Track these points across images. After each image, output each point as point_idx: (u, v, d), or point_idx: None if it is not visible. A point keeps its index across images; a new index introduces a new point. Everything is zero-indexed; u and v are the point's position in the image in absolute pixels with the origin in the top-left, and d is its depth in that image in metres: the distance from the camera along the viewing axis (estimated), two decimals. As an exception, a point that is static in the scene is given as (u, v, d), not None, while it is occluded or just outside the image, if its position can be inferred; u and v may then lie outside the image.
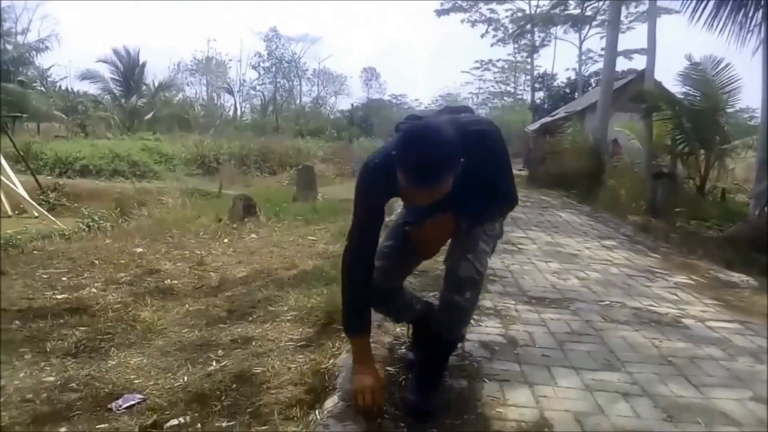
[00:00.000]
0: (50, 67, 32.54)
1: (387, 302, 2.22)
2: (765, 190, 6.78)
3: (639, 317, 3.34)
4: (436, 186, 1.73)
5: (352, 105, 45.70)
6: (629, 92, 12.26)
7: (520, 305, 3.48)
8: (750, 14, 6.88)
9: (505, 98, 54.47)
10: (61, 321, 3.35)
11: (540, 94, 37.62)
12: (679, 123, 9.51)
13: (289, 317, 3.23)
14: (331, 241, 5.66)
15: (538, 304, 3.52)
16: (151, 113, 28.91)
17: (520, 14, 39.45)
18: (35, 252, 5.50)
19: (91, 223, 8.14)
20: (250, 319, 3.28)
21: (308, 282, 3.95)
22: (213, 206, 9.12)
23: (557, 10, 35.23)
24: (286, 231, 6.52)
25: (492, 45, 43.51)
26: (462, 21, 40.18)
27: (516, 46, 45.11)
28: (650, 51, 11.55)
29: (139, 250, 5.37)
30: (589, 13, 34.17)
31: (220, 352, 2.79)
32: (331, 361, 2.46)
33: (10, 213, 10.94)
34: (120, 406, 2.32)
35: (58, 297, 3.86)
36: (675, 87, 10.36)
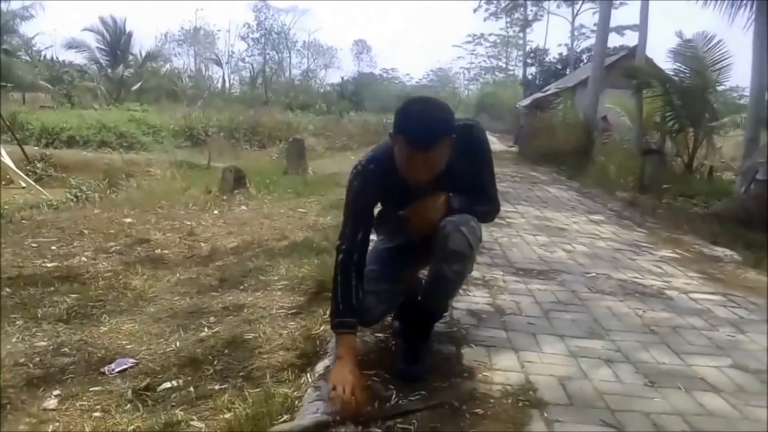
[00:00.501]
0: (35, 36, 31.88)
1: (378, 322, 2.25)
2: (751, 167, 6.86)
3: (624, 288, 3.40)
4: (435, 146, 1.82)
5: (343, 79, 45.28)
6: (621, 69, 12.22)
7: (508, 276, 3.53)
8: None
9: (497, 73, 54.24)
10: (52, 288, 3.36)
11: (532, 70, 37.43)
12: (669, 100, 9.54)
13: (280, 286, 3.26)
14: (321, 213, 5.68)
15: (526, 276, 3.57)
16: (138, 84, 28.49)
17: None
18: (24, 221, 5.48)
19: (79, 194, 8.10)
20: (242, 287, 3.30)
21: (299, 252, 3.97)
22: (202, 178, 9.07)
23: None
24: (276, 203, 6.52)
25: (485, 19, 43.20)
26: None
27: (509, 20, 44.76)
28: (642, 27, 11.52)
29: (129, 220, 5.36)
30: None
31: (211, 319, 2.82)
32: (322, 328, 2.50)
33: (-4, 183, 10.81)
34: (113, 370, 2.35)
35: (48, 265, 3.86)
36: (666, 64, 10.37)
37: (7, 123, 14.56)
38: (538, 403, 1.92)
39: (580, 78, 19.85)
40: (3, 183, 11.07)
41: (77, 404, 2.08)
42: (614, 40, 28.32)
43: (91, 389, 2.18)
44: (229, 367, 2.27)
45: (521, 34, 43.88)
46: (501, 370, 2.15)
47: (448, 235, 1.96)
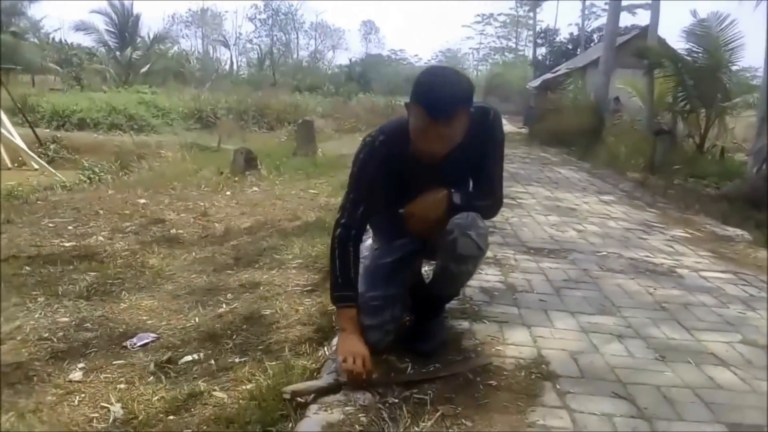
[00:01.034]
0: (42, 18, 31.92)
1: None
2: (764, 147, 6.82)
3: (635, 267, 3.43)
4: (454, 117, 1.77)
5: (351, 60, 45.08)
6: (632, 48, 12.10)
7: (519, 255, 3.56)
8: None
9: (507, 54, 53.74)
10: (71, 267, 3.42)
11: (542, 50, 37.16)
12: (681, 80, 9.47)
13: (294, 264, 3.31)
14: (332, 194, 5.72)
15: (537, 254, 3.61)
16: (147, 66, 28.50)
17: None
18: (39, 202, 5.56)
19: (92, 175, 8.18)
20: (257, 266, 3.36)
21: (311, 232, 4.02)
22: (213, 160, 9.13)
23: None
24: (287, 184, 6.57)
25: (494, -2, 42.60)
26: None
27: (519, -1, 44.23)
28: (654, 6, 11.39)
29: (143, 201, 5.42)
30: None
31: (229, 295, 2.88)
32: (337, 304, 2.54)
33: (9, 165, 10.92)
34: (135, 344, 2.41)
35: (66, 245, 3.93)
36: (678, 44, 10.28)
37: (19, 105, 14.65)
38: (550, 375, 1.96)
39: (590, 58, 19.68)
40: (16, 165, 11.20)
41: (102, 376, 2.15)
42: (626, 20, 27.98)
43: (114, 362, 2.25)
44: (247, 341, 2.33)
45: (531, 14, 43.47)
46: (513, 345, 2.19)
47: (456, 240, 1.90)
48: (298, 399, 1.75)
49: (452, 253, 1.93)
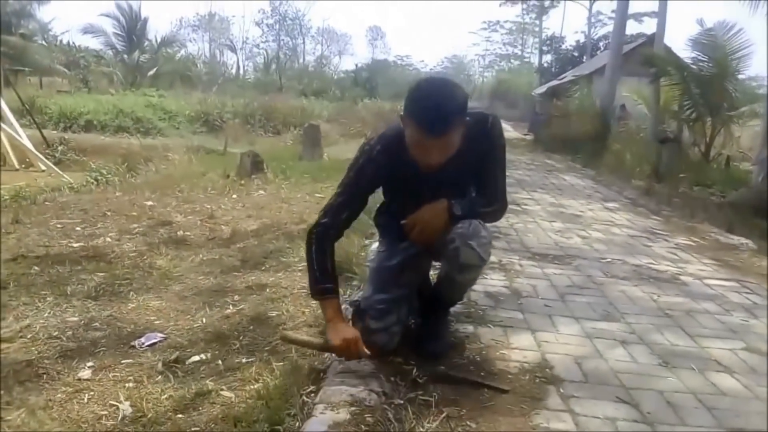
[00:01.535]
0: (51, 21, 32.13)
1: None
2: (769, 156, 6.82)
3: (639, 274, 3.45)
4: (448, 131, 1.77)
5: (357, 65, 45.18)
6: (638, 56, 12.10)
7: (524, 260, 3.58)
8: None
9: (512, 61, 53.86)
10: (79, 267, 3.45)
11: (548, 57, 37.14)
12: (687, 88, 9.46)
13: (300, 267, 3.33)
14: (338, 198, 5.73)
15: (542, 260, 3.63)
16: (154, 69, 28.66)
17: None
18: (47, 203, 5.60)
19: (99, 177, 8.23)
20: (263, 268, 3.39)
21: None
22: (219, 163, 9.17)
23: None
24: (293, 188, 6.60)
25: (500, 5, 42.80)
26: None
27: (525, 6, 44.33)
28: (661, 14, 11.39)
29: (150, 203, 5.46)
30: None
31: (236, 297, 2.90)
32: (344, 306, 2.56)
33: (17, 166, 11.00)
34: (143, 343, 2.44)
35: (74, 245, 3.96)
36: (684, 52, 10.27)
37: (27, 107, 14.76)
38: (554, 379, 1.98)
39: (596, 66, 19.68)
40: (23, 166, 11.28)
41: (110, 375, 2.17)
42: (632, 28, 28.02)
43: (122, 361, 2.27)
44: (254, 342, 2.35)
45: (537, 21, 43.49)
46: (518, 349, 2.22)
47: (458, 250, 1.91)
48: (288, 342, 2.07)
49: (454, 262, 1.96)
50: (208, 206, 5.30)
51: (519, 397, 1.85)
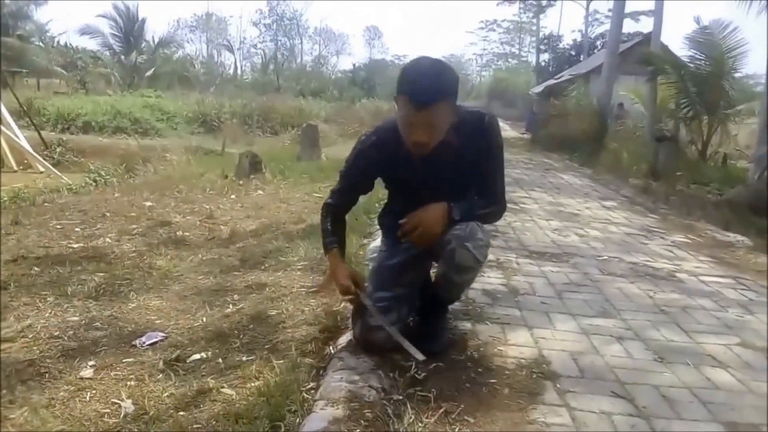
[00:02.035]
0: (48, 22, 32.14)
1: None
2: (765, 154, 6.85)
3: (635, 271, 3.48)
4: (435, 104, 1.80)
5: (354, 65, 45.21)
6: (635, 55, 12.14)
7: (522, 258, 3.61)
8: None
9: (510, 60, 53.90)
10: (79, 268, 3.46)
11: (545, 56, 37.25)
12: (684, 87, 9.50)
13: (299, 266, 3.36)
14: (336, 197, 5.75)
15: (539, 258, 3.65)
16: (152, 70, 28.67)
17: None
18: (46, 204, 5.61)
19: (97, 178, 8.25)
20: (263, 267, 3.41)
21: (316, 235, 4.01)
22: (217, 164, 9.19)
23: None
24: (292, 188, 6.62)
25: (498, 4, 42.84)
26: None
27: (522, 5, 44.37)
28: (657, 13, 11.43)
29: (149, 203, 5.48)
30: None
31: (235, 296, 2.92)
32: (342, 305, 2.59)
33: (15, 168, 11.02)
34: (144, 342, 2.45)
35: (74, 246, 3.97)
36: (681, 51, 10.31)
37: (24, 108, 14.77)
38: (551, 375, 2.01)
39: (593, 65, 19.74)
40: (21, 167, 11.29)
41: (112, 374, 2.19)
42: (629, 26, 28.06)
43: (124, 360, 2.29)
44: (254, 340, 2.37)
45: (534, 20, 43.55)
46: (515, 345, 2.24)
47: (454, 251, 1.94)
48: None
49: (451, 263, 1.99)
50: (207, 206, 5.31)
51: (516, 393, 1.87)
